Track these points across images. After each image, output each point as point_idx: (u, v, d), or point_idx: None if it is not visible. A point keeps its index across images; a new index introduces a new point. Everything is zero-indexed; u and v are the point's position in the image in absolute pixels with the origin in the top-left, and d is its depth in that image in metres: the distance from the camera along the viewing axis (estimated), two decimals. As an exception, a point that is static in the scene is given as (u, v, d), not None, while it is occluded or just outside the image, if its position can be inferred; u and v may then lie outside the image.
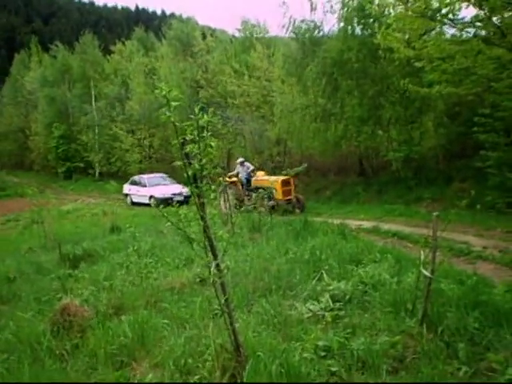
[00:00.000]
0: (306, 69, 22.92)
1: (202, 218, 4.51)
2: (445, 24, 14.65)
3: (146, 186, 27.99)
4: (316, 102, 23.33)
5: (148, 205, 25.40)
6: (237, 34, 38.53)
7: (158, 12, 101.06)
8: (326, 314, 5.98)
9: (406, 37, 15.55)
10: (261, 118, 29.61)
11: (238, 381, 4.45)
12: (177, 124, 4.40)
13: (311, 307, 6.24)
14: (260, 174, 21.12)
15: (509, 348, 4.70)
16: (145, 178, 29.06)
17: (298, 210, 19.11)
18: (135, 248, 10.26)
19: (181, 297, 7.42)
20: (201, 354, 4.96)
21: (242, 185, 20.86)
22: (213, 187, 4.63)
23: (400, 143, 21.21)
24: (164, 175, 29.65)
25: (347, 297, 6.44)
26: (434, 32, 15.80)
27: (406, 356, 4.81)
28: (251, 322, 5.72)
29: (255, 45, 33.55)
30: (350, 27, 21.30)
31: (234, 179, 20.71)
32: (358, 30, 21.50)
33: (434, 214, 5.40)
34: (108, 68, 46.86)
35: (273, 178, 20.26)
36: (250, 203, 18.52)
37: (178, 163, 4.52)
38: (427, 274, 5.24)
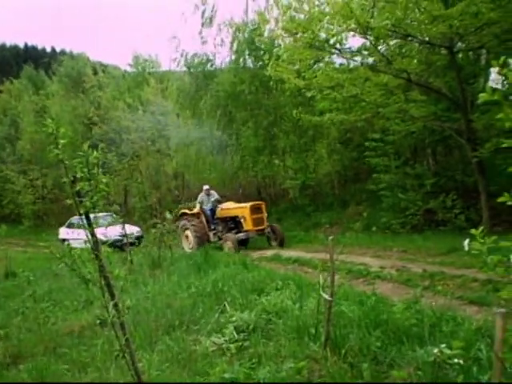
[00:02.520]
0: (200, 102, 23.09)
1: (97, 257, 4.35)
2: (333, 54, 15.18)
3: None
4: (212, 135, 23.49)
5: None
6: (129, 69, 38.39)
7: (48, 49, 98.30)
8: (231, 345, 5.90)
9: (296, 67, 15.90)
10: (157, 153, 29.41)
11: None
12: (66, 162, 4.27)
13: (215, 340, 6.13)
14: (227, 204, 17.72)
15: (411, 364, 4.78)
16: None
17: (274, 243, 16.10)
18: (31, 293, 9.80)
19: (81, 340, 7.11)
20: (104, 398, 4.76)
21: (207, 217, 17.24)
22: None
23: (296, 171, 21.74)
24: (110, 214, 25.89)
25: (251, 326, 6.38)
26: (323, 62, 16.31)
27: (312, 380, 4.81)
28: (155, 361, 5.55)
29: (148, 79, 33.58)
30: (241, 60, 21.72)
31: (196, 211, 17.30)
32: (249, 63, 21.99)
33: (330, 238, 5.49)
34: (-4, 108, 45.21)
35: (240, 204, 17.17)
36: (216, 238, 16.52)
37: (69, 202, 4.36)
38: (327, 297, 5.29)
